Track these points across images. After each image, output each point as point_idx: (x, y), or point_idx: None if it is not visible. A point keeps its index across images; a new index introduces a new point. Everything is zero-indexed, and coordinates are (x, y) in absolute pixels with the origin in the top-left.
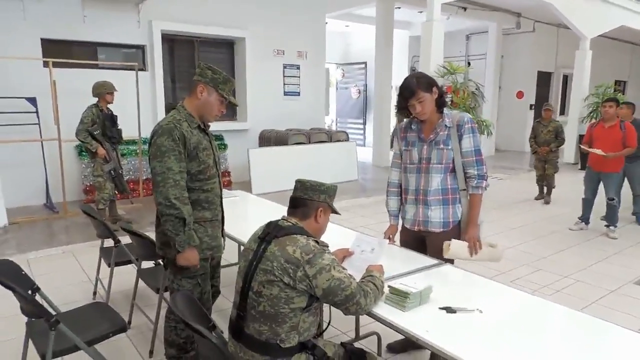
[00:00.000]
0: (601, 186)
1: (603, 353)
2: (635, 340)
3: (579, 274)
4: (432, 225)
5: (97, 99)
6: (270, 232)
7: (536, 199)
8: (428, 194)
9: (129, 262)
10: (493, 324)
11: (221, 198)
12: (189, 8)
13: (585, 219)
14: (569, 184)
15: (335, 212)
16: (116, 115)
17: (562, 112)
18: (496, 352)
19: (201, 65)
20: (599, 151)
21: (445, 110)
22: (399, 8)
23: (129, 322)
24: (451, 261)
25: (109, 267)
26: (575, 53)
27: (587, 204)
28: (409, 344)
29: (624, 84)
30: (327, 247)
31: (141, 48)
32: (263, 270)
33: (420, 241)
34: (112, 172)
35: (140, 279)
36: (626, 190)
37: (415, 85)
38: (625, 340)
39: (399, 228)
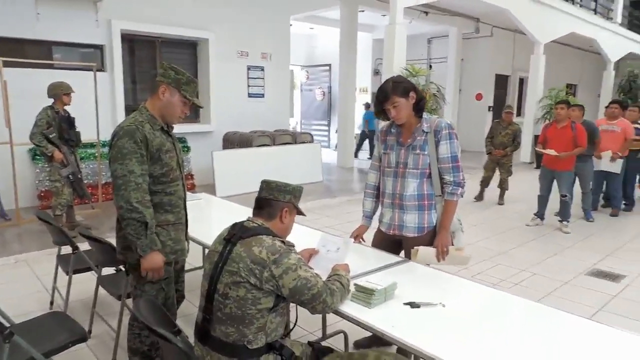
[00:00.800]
0: (555, 184)
1: (559, 340)
2: (588, 327)
3: (535, 267)
4: (407, 230)
5: (52, 100)
6: (236, 234)
7: (476, 198)
8: (404, 199)
9: (89, 269)
10: (456, 317)
11: (185, 201)
12: (151, 7)
13: (540, 215)
14: (526, 182)
15: (300, 213)
16: (73, 117)
17: (519, 114)
18: (459, 343)
19: (164, 66)
20: (552, 152)
21: (425, 115)
22: (363, 11)
23: (89, 332)
24: None
25: (67, 275)
26: (530, 57)
27: (542, 200)
28: (375, 340)
29: (575, 87)
30: (293, 246)
31: (100, 48)
32: (229, 272)
33: (395, 245)
34: (70, 176)
35: (100, 286)
36: (578, 188)
37: (390, 90)
38: (579, 328)
39: (368, 229)
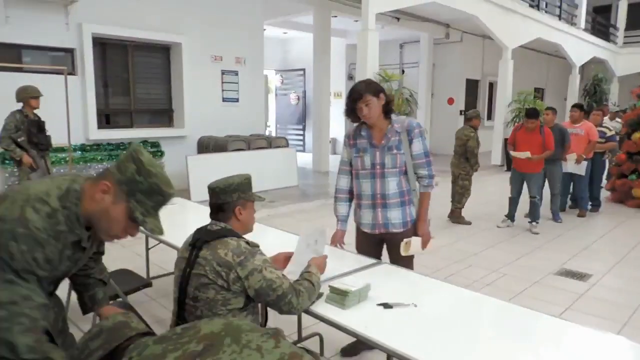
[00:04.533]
0: (525, 186)
1: (529, 339)
2: (557, 325)
3: (506, 267)
4: (393, 227)
5: (22, 104)
6: (200, 238)
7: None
8: (387, 198)
9: None
10: (427, 317)
11: None
12: (122, 11)
13: (511, 216)
14: (496, 184)
15: (255, 200)
16: (44, 121)
17: (489, 117)
18: (431, 342)
19: (131, 149)
20: (526, 154)
21: (393, 116)
22: (336, 17)
23: None
24: (409, 258)
25: None
26: (498, 62)
27: (513, 202)
28: (359, 343)
29: (542, 91)
30: (258, 247)
31: (70, 51)
32: (196, 276)
33: (378, 244)
34: None
35: (73, 291)
36: (547, 190)
37: (363, 89)
38: (548, 326)
39: (345, 232)
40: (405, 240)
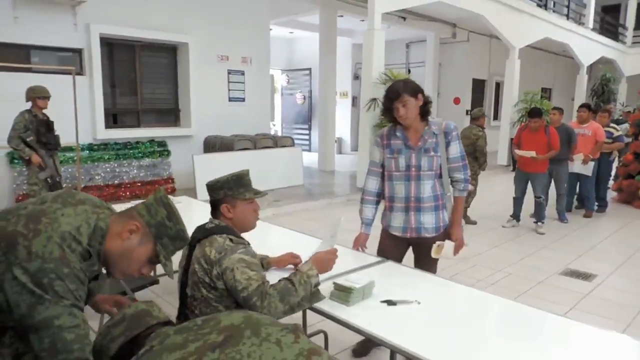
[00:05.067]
0: (530, 186)
1: (533, 336)
2: (561, 323)
3: (511, 267)
4: (425, 231)
5: (31, 104)
6: (195, 237)
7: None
8: (421, 201)
9: None
10: (431, 314)
11: None
12: (129, 11)
13: (516, 216)
14: (502, 184)
15: (247, 198)
16: (52, 121)
17: (496, 117)
18: (434, 338)
19: (160, 194)
20: (532, 153)
21: (430, 118)
22: (342, 16)
23: None
24: (433, 261)
25: None
26: (505, 62)
27: (518, 202)
28: (367, 341)
29: (550, 91)
30: (244, 244)
31: (78, 52)
32: (191, 274)
33: (405, 247)
34: (48, 179)
35: None
36: (553, 190)
37: (401, 88)
38: (552, 324)
39: (369, 237)
40: (438, 242)
